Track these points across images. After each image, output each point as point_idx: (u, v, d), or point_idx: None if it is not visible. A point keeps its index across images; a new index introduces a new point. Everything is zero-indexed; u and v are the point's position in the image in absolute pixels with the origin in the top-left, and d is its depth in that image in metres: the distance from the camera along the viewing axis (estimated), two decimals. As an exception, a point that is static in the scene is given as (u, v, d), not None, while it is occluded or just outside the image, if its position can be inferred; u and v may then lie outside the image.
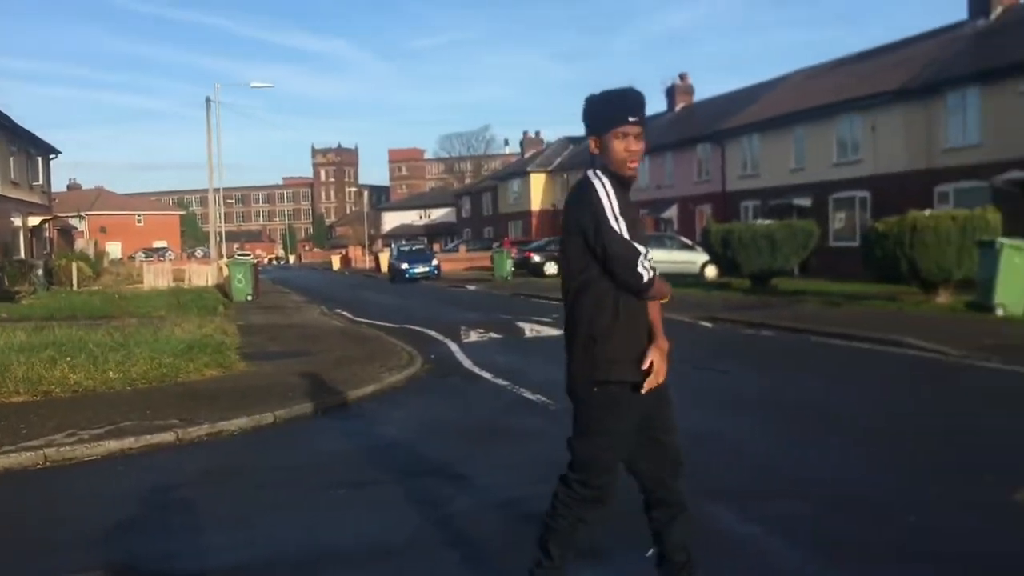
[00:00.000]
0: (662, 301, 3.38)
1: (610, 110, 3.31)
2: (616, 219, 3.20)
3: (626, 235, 3.20)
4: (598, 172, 3.32)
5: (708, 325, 15.38)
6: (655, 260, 3.37)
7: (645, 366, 3.25)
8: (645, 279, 3.20)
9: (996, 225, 16.09)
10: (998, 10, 27.55)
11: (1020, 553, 4.34)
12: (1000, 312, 13.87)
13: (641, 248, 3.19)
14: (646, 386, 3.26)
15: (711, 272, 28.76)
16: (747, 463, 6.22)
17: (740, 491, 5.47)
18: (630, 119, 3.26)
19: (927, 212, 17.42)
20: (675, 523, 3.52)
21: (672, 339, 3.51)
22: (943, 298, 16.49)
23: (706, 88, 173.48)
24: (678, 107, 46.76)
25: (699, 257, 29.33)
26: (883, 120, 27.43)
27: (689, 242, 32.05)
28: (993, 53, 24.98)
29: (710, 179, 37.26)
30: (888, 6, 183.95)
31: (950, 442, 6.62)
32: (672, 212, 39.70)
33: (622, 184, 3.31)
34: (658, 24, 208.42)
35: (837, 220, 29.68)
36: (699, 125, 39.81)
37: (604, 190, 3.25)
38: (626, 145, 3.27)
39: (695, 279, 28.44)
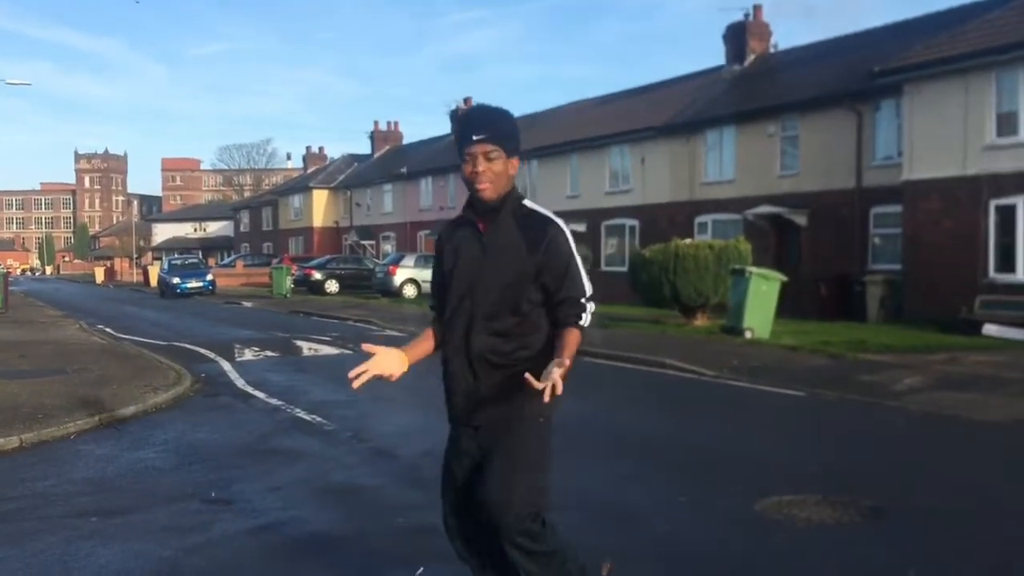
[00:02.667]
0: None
1: (457, 133, 3.22)
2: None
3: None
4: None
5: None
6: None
7: None
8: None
9: (747, 255, 17.53)
10: (751, 57, 30.09)
11: (758, 556, 4.74)
12: (749, 335, 15.07)
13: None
14: None
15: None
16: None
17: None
18: (474, 138, 3.11)
19: (688, 241, 18.68)
20: None
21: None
22: (700, 321, 17.72)
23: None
24: (461, 130, 47.50)
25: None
26: (651, 153, 29.17)
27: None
28: (747, 97, 27.27)
29: (492, 202, 38.04)
30: (653, 49, 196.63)
31: (703, 456, 7.13)
32: (454, 233, 40.21)
33: (473, 207, 3.23)
34: (444, 49, 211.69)
35: (608, 246, 31.19)
36: (482, 149, 40.60)
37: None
38: (471, 167, 3.12)
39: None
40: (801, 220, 23.32)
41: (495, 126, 3.16)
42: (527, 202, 3.25)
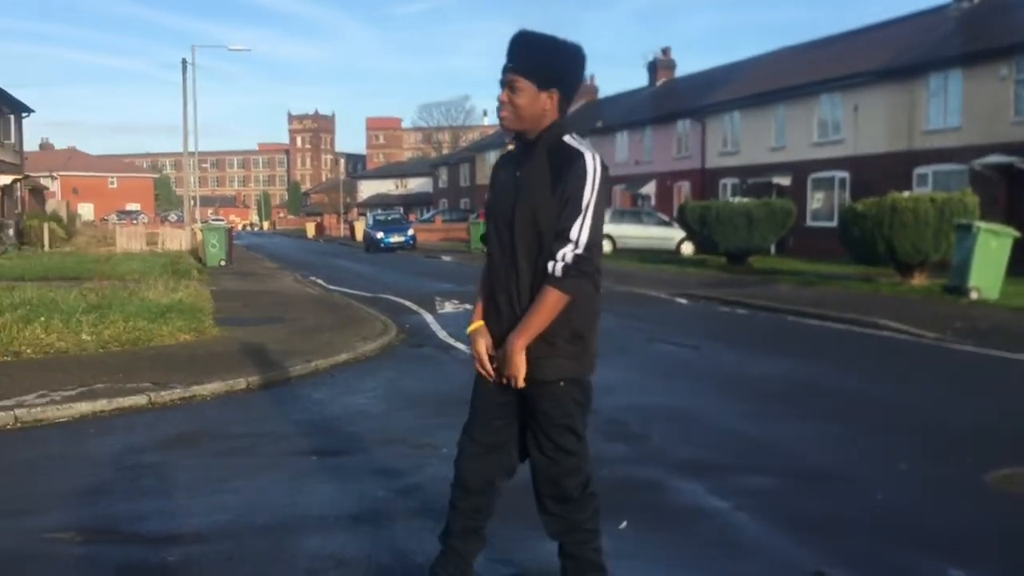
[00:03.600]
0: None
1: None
2: None
3: None
4: None
5: (683, 302, 15.37)
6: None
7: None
8: None
9: (973, 208, 16.17)
10: (982, -7, 27.61)
11: (989, 529, 4.35)
12: (975, 295, 13.96)
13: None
14: None
15: (687, 249, 28.84)
16: (715, 438, 6.20)
17: (707, 465, 5.45)
18: (508, 65, 2.94)
19: (906, 194, 17.48)
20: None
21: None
22: (918, 280, 16.59)
23: (688, 64, 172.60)
24: (659, 82, 46.55)
25: (676, 234, 29.35)
26: (865, 101, 27.46)
27: (666, 218, 32.08)
28: (976, 37, 25.03)
29: (690, 155, 37.22)
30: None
31: (924, 423, 6.64)
32: (650, 188, 39.67)
33: (518, 141, 3.07)
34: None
35: (815, 200, 29.76)
36: (680, 101, 39.69)
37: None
38: (502, 94, 2.97)
39: (671, 255, 28.49)
40: (1036, 171, 21.30)
41: (527, 56, 2.92)
42: (567, 137, 2.95)
